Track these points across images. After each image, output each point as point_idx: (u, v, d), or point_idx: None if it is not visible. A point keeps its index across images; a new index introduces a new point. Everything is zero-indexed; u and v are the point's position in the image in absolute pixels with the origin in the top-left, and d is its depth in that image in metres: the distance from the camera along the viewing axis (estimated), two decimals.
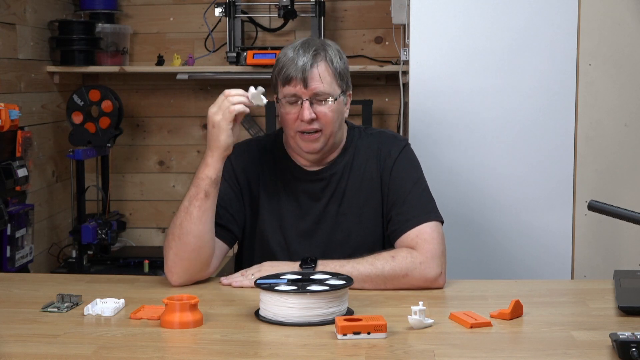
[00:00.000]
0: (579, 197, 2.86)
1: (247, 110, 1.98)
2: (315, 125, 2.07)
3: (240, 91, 1.99)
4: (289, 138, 2.13)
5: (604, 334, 1.58)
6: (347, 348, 1.58)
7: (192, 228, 1.99)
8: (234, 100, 1.97)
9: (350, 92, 2.17)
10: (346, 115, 2.17)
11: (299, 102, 2.06)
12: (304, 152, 2.12)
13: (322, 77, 2.06)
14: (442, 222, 2.10)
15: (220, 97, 1.99)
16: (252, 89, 2.00)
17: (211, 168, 2.00)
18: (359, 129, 2.23)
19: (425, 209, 2.09)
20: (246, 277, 2.03)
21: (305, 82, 2.04)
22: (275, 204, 2.17)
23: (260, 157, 2.20)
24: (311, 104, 2.06)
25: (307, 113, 2.05)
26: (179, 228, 2.00)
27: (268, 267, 2.03)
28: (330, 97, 2.07)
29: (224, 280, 2.06)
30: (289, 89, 2.06)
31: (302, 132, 2.08)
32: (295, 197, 2.17)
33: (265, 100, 1.98)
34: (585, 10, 2.82)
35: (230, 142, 1.99)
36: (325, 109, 2.07)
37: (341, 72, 2.10)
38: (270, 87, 2.15)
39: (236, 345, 1.61)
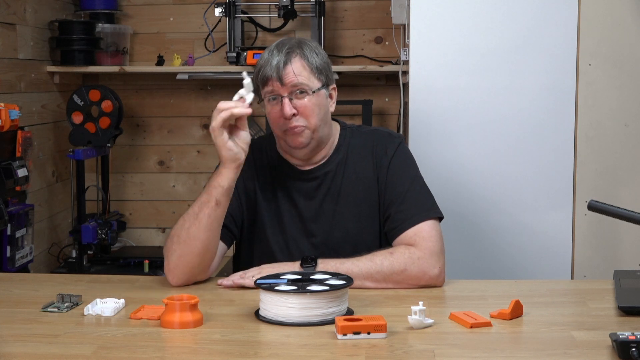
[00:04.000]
0: (579, 197, 2.86)
1: (236, 113, 1.94)
2: (299, 122, 2.08)
3: (231, 103, 1.97)
4: (278, 139, 2.16)
5: (604, 334, 1.58)
6: (347, 348, 1.58)
7: (199, 234, 1.99)
8: (221, 107, 1.95)
9: (334, 86, 2.18)
10: (332, 109, 2.17)
11: (279, 100, 2.08)
12: (292, 148, 2.13)
13: (297, 73, 2.08)
14: (442, 218, 2.11)
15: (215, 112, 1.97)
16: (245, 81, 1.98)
17: (224, 177, 1.99)
18: (351, 128, 2.24)
19: (424, 207, 2.10)
20: (245, 278, 2.02)
21: (280, 79, 2.07)
22: (273, 205, 2.18)
23: (257, 159, 2.21)
24: (291, 100, 2.08)
25: (288, 109, 2.07)
26: (186, 232, 1.99)
27: (267, 270, 2.03)
28: (308, 90, 2.08)
29: (224, 281, 2.05)
30: (267, 89, 2.09)
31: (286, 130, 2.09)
32: (291, 197, 2.17)
33: (250, 91, 1.97)
34: (585, 10, 2.82)
35: (231, 153, 1.96)
36: (305, 101, 2.08)
37: (319, 66, 2.12)
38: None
39: (236, 345, 1.61)
